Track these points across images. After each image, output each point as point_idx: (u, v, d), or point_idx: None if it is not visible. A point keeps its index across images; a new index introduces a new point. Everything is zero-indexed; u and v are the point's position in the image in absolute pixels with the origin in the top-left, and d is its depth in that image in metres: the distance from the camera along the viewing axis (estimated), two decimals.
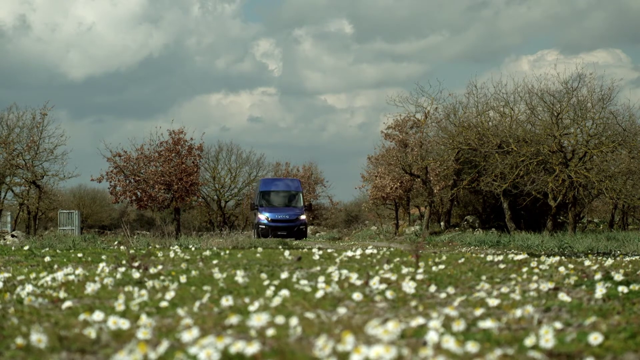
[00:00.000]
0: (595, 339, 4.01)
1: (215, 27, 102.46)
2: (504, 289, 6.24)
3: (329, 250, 12.39)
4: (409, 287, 6.29)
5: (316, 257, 10.40)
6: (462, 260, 9.71)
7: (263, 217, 35.36)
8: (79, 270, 8.04)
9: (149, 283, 6.93)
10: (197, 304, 5.58)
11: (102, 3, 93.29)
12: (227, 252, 12.43)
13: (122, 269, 8.27)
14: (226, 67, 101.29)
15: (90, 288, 6.47)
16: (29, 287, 6.52)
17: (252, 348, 3.76)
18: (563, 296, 5.72)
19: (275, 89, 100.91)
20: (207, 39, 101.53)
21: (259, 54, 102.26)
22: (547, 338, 3.94)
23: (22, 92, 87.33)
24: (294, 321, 4.50)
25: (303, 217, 36.06)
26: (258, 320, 4.42)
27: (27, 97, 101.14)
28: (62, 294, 6.28)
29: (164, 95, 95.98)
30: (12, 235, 31.07)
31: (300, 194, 37.30)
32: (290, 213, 35.92)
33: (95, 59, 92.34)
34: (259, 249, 12.73)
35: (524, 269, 8.07)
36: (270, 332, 4.30)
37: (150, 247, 16.85)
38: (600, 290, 5.91)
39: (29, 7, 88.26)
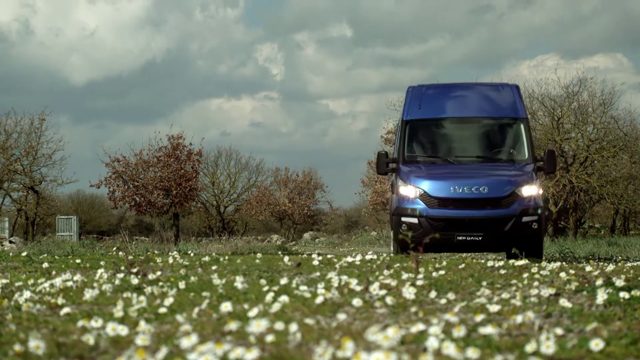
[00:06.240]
0: (596, 344, 3.99)
1: (217, 32, 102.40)
2: (505, 295, 6.22)
3: (329, 256, 12.36)
4: (409, 292, 6.26)
5: (316, 262, 10.38)
6: (463, 265, 9.69)
7: (412, 193, 13.69)
8: (78, 277, 8.01)
9: (148, 289, 6.90)
10: (196, 310, 5.56)
11: (105, 8, 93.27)
12: (226, 257, 12.41)
13: (121, 275, 8.24)
14: (228, 72, 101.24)
15: (89, 294, 6.45)
16: (26, 294, 6.50)
17: (252, 354, 3.73)
18: (564, 302, 5.69)
19: (277, 93, 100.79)
20: (209, 43, 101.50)
21: (262, 58, 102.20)
22: (548, 344, 3.92)
23: (23, 97, 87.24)
24: (293, 327, 4.48)
25: (533, 189, 13.78)
26: (257, 326, 4.39)
27: (28, 102, 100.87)
28: (60, 300, 6.25)
29: (166, 100, 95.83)
30: (10, 241, 31.04)
31: (522, 126, 14.89)
32: (493, 181, 13.82)
33: (97, 64, 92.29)
34: (258, 255, 12.71)
35: (525, 275, 8.05)
36: (270, 338, 4.28)
37: (149, 252, 16.83)
38: (601, 296, 5.88)
39: (31, 11, 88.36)
